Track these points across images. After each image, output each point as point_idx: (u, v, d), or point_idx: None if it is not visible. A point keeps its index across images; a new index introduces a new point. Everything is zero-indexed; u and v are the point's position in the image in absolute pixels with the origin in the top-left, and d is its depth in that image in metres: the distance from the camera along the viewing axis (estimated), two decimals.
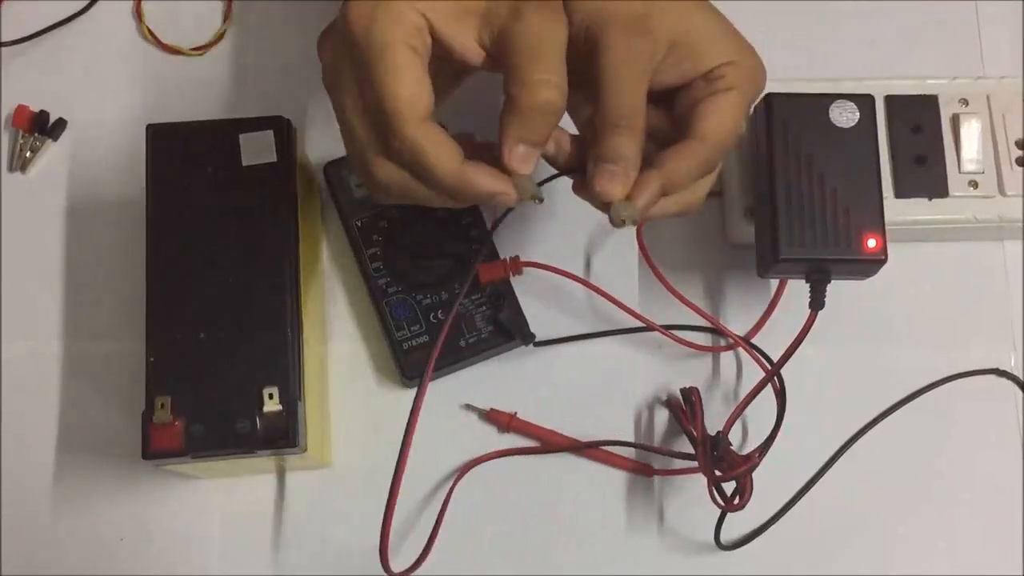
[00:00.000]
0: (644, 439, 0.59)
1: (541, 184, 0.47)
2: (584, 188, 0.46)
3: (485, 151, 0.45)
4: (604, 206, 0.46)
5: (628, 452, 0.58)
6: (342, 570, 0.56)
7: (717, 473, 0.53)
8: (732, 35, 0.49)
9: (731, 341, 0.59)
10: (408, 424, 0.51)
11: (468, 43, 0.45)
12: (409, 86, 0.43)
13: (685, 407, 0.58)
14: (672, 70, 0.47)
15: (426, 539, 0.55)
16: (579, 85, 0.45)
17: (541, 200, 0.46)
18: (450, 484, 0.57)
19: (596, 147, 0.45)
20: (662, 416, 0.59)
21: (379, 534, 0.56)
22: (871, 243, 0.52)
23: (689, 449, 0.56)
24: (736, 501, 0.53)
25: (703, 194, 0.50)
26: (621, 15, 0.45)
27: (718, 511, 0.54)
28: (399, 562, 0.53)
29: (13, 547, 0.57)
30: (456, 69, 0.46)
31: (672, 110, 0.49)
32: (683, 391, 0.58)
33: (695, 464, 0.55)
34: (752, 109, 0.57)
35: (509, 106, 0.44)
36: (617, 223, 0.45)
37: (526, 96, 0.43)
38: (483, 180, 0.44)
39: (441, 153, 0.44)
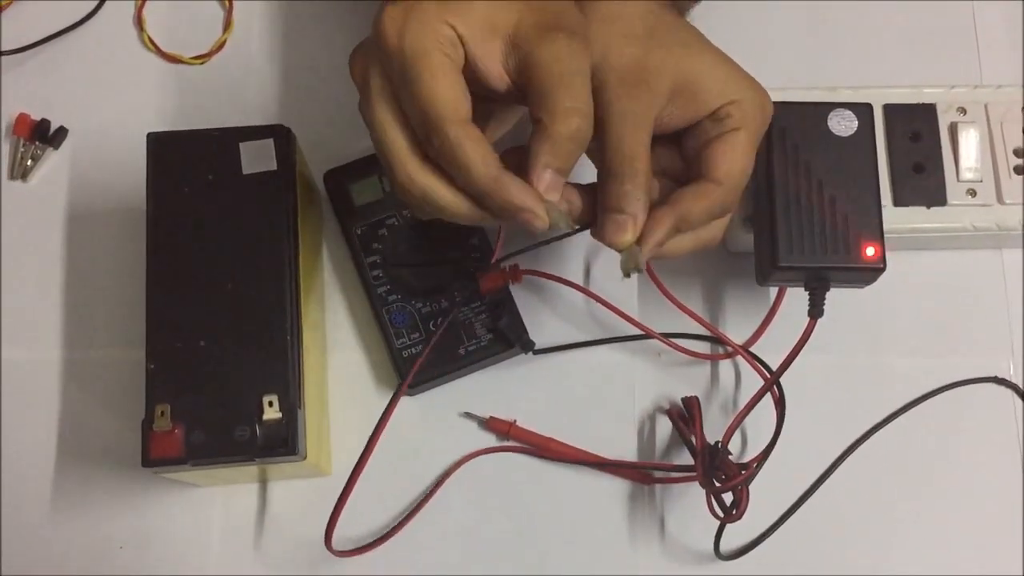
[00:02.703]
0: (644, 447, 0.59)
1: (558, 239, 0.49)
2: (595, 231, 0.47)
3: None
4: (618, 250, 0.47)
5: (627, 459, 0.58)
6: None
7: (716, 484, 0.53)
8: (733, 72, 0.49)
9: (730, 349, 0.59)
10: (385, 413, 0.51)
11: (493, 65, 0.45)
12: (449, 88, 0.43)
13: (685, 416, 0.58)
14: (677, 114, 0.48)
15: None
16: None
17: (574, 229, 0.46)
18: (444, 477, 0.58)
19: (602, 197, 0.46)
20: (662, 424, 0.59)
21: (376, 539, 0.56)
22: (870, 251, 0.52)
23: (688, 459, 0.56)
24: (734, 512, 0.53)
25: (719, 232, 0.51)
26: (618, 69, 0.46)
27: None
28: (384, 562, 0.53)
29: (13, 554, 0.57)
30: (482, 95, 0.46)
31: (682, 148, 0.50)
32: (684, 400, 0.58)
33: (695, 473, 0.55)
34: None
35: (539, 133, 0.44)
36: (625, 273, 0.46)
37: (557, 124, 0.44)
38: (517, 190, 0.44)
39: (480, 153, 0.44)
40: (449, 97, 0.43)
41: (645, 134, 0.46)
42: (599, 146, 0.46)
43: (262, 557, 0.57)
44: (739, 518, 0.53)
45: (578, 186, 0.47)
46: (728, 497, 0.53)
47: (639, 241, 0.46)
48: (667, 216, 0.46)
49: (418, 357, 0.57)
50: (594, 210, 0.46)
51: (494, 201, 0.44)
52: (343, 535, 0.57)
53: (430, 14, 0.43)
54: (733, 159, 0.48)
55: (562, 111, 0.44)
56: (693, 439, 0.56)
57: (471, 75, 0.45)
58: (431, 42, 0.43)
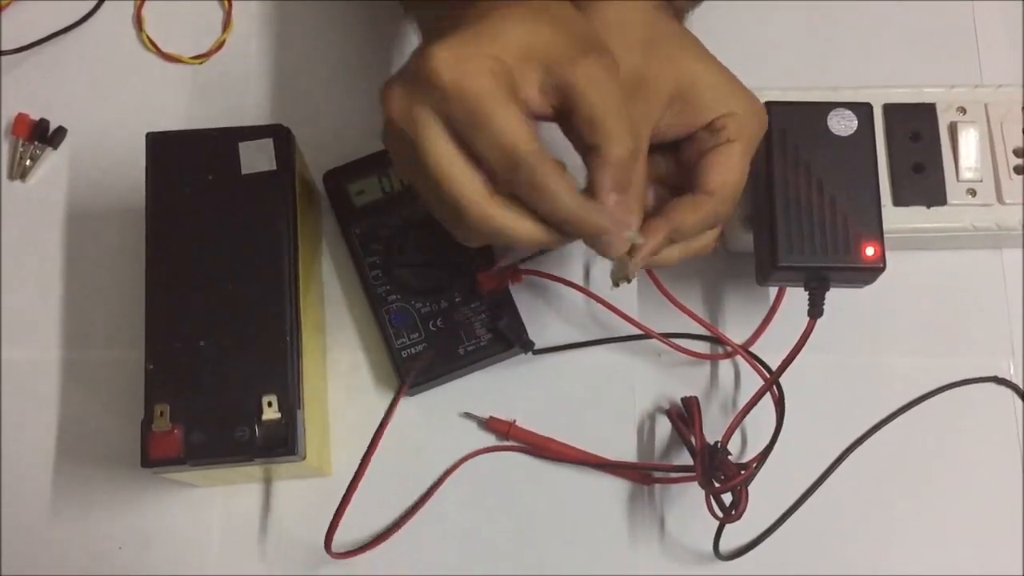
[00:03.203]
0: (644, 447, 0.59)
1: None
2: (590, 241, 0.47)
3: None
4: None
5: (627, 460, 0.58)
6: None
7: (716, 484, 0.53)
8: (730, 84, 0.50)
9: (730, 349, 0.59)
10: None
11: (532, 91, 0.45)
12: (521, 121, 0.43)
13: (685, 416, 0.58)
14: (673, 124, 0.48)
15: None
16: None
17: (628, 281, 0.47)
18: (443, 477, 0.58)
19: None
20: (662, 424, 0.59)
21: (375, 538, 0.56)
22: (869, 251, 0.52)
23: (688, 459, 0.56)
24: (733, 512, 0.53)
25: (711, 241, 0.51)
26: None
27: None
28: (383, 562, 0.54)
29: (12, 554, 0.57)
30: None
31: (678, 156, 0.50)
32: (683, 400, 0.58)
33: (694, 474, 0.55)
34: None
35: (598, 159, 0.44)
36: (614, 283, 0.47)
37: (615, 149, 0.44)
38: (599, 216, 0.45)
39: (565, 182, 0.44)
40: (524, 130, 0.43)
41: (642, 143, 0.47)
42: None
43: (262, 557, 0.57)
44: (738, 518, 0.53)
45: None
46: (727, 497, 0.53)
47: (630, 251, 0.46)
48: (661, 227, 0.47)
49: (418, 357, 0.57)
50: None
51: (579, 227, 0.45)
52: (342, 535, 0.56)
53: (481, 49, 0.43)
54: (727, 171, 0.48)
55: (616, 136, 0.44)
56: (693, 440, 0.56)
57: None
58: (490, 79, 0.42)
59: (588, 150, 0.45)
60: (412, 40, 0.65)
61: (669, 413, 0.59)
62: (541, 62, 0.44)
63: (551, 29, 0.44)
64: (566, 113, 0.45)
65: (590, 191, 0.45)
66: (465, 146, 0.43)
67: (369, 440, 0.54)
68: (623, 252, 0.46)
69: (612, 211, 0.45)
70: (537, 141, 0.43)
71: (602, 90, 0.44)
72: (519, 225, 0.45)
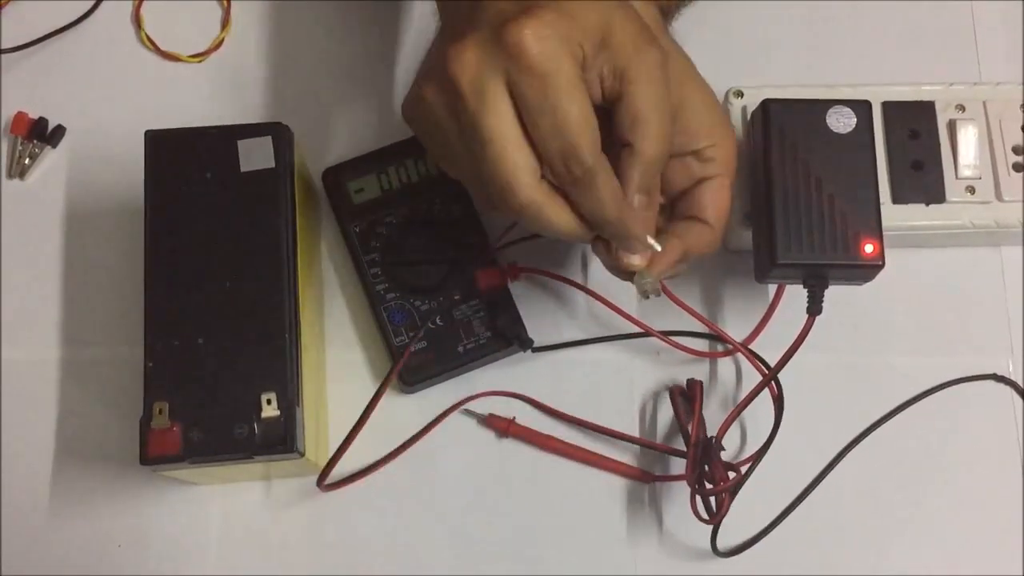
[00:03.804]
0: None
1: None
2: (605, 252, 0.48)
3: None
4: (625, 274, 0.49)
5: (626, 458, 0.58)
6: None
7: (708, 486, 0.53)
8: (718, 114, 0.51)
9: (729, 347, 0.59)
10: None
11: (594, 78, 0.44)
12: (589, 117, 0.43)
13: (686, 400, 0.57)
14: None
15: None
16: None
17: (657, 294, 0.49)
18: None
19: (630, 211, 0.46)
20: (661, 422, 0.59)
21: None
22: (868, 248, 0.52)
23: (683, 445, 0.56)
24: (714, 514, 0.53)
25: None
26: None
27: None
28: (381, 561, 0.53)
29: (11, 553, 0.57)
30: None
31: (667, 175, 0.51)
32: (689, 382, 0.58)
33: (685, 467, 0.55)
34: (750, 115, 0.57)
35: (632, 158, 0.45)
36: (644, 296, 0.49)
37: (654, 148, 0.44)
38: (634, 223, 0.45)
39: (613, 186, 0.45)
40: (590, 127, 0.43)
41: (670, 150, 0.47)
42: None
43: (261, 555, 0.57)
44: (717, 523, 0.53)
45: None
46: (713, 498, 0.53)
47: (649, 264, 0.48)
48: (676, 247, 0.49)
49: (418, 354, 0.57)
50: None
51: (615, 229, 0.45)
52: (338, 534, 0.57)
53: (568, 30, 0.42)
54: (723, 203, 0.50)
55: (656, 136, 0.44)
56: (689, 428, 0.56)
57: None
58: (571, 64, 0.42)
59: (623, 145, 0.45)
60: (410, 38, 0.65)
61: (671, 391, 0.58)
62: (608, 46, 0.44)
63: (623, 14, 0.44)
64: (611, 100, 0.45)
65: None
66: (523, 125, 0.43)
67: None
68: (645, 258, 0.48)
69: (640, 211, 0.46)
70: (599, 141, 0.43)
71: (654, 86, 0.44)
72: (561, 218, 0.45)
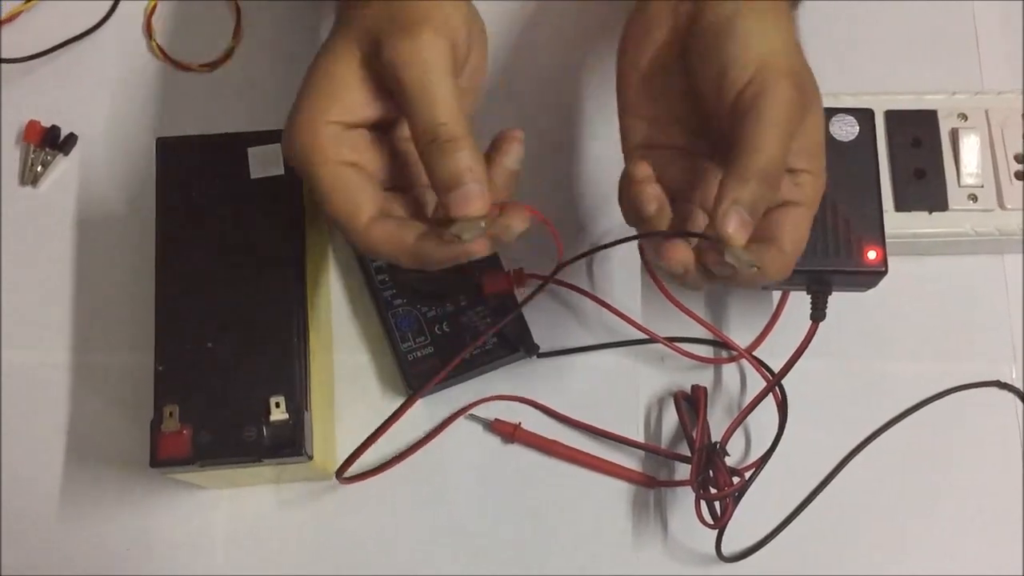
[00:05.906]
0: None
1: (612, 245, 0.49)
2: (661, 254, 0.46)
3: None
4: (677, 271, 0.46)
5: (631, 463, 0.59)
6: None
7: (712, 491, 0.53)
8: (822, 144, 0.48)
9: (734, 353, 0.59)
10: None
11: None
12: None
13: (690, 405, 0.58)
14: None
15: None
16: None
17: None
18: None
19: (737, 192, 0.44)
20: (666, 428, 0.60)
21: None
22: (871, 255, 0.53)
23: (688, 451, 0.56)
24: (718, 519, 0.53)
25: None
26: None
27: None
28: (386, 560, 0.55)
29: (20, 555, 0.57)
30: None
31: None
32: (693, 388, 0.59)
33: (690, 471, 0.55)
34: None
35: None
36: (745, 272, 0.44)
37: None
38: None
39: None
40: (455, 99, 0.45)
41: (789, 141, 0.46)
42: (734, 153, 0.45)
43: (267, 559, 0.57)
44: (721, 528, 0.53)
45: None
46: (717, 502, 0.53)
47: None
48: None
49: (425, 360, 0.57)
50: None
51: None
52: (345, 538, 0.57)
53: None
54: (801, 236, 0.47)
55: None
56: (694, 433, 0.56)
57: None
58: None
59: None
60: None
61: (676, 397, 0.59)
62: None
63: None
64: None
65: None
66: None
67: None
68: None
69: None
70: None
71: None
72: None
